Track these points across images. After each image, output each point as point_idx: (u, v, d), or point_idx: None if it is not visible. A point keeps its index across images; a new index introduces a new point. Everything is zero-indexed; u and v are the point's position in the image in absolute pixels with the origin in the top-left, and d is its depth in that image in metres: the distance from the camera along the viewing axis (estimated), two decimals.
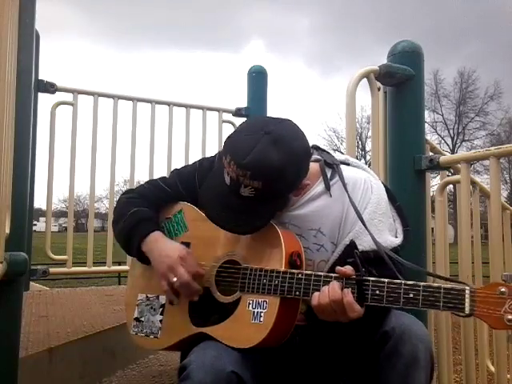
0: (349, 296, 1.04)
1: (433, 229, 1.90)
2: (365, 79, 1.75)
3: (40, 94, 2.78)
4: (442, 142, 36.10)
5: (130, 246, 1.30)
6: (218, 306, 1.19)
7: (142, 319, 1.32)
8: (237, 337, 1.12)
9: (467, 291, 0.97)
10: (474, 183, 2.03)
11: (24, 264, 1.28)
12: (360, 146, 35.68)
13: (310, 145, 1.30)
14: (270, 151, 1.08)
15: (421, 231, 1.73)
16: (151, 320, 1.30)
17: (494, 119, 36.07)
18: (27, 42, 1.46)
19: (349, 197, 1.21)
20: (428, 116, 34.76)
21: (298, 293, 1.10)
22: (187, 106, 3.18)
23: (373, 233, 1.16)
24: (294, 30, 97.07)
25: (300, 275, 1.11)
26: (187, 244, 1.31)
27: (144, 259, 1.29)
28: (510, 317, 0.92)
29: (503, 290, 0.94)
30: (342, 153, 1.81)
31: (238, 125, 2.35)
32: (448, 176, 2.08)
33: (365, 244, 1.18)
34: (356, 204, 1.21)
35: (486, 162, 1.61)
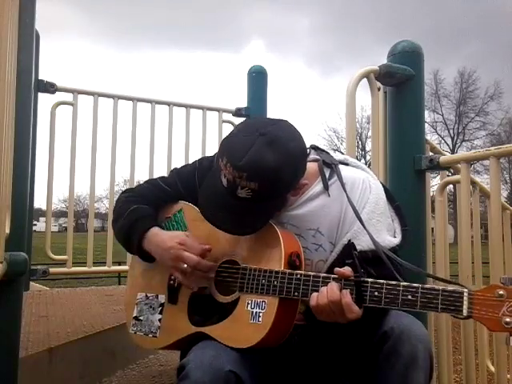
0: (347, 297, 1.04)
1: (433, 229, 1.90)
2: (365, 79, 1.75)
3: (40, 94, 2.78)
4: (442, 142, 36.12)
5: (130, 243, 1.30)
6: (217, 305, 1.19)
7: (141, 318, 1.33)
8: (235, 337, 1.12)
9: (465, 293, 0.97)
10: (473, 183, 2.03)
11: (24, 264, 1.28)
12: (360, 146, 35.70)
13: (309, 145, 1.30)
14: (265, 152, 1.08)
15: (421, 231, 1.73)
16: (150, 319, 1.30)
17: (494, 119, 36.13)
18: (27, 42, 1.46)
19: (347, 196, 1.21)
20: (428, 116, 34.81)
21: (296, 293, 1.11)
22: (187, 106, 3.18)
23: (371, 232, 1.16)
24: (294, 30, 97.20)
25: (299, 276, 1.11)
26: None
27: (145, 256, 1.29)
28: (507, 319, 0.92)
29: (501, 292, 0.94)
30: (342, 153, 1.81)
31: None
32: (448, 176, 2.08)
33: (363, 244, 1.18)
34: (354, 204, 1.21)
35: (486, 162, 1.61)
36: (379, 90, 1.84)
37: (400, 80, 1.74)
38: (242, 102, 3.31)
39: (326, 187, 1.26)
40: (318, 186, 1.27)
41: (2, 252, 1.20)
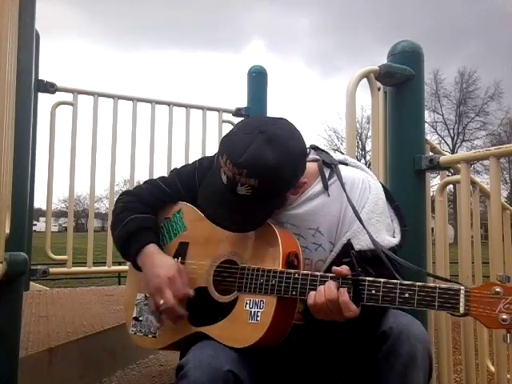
0: (344, 295, 1.05)
1: (433, 229, 1.90)
2: (365, 79, 1.75)
3: (40, 94, 2.78)
4: (442, 142, 36.12)
5: (126, 255, 1.32)
6: (216, 305, 1.20)
7: (141, 319, 1.33)
8: (234, 336, 1.12)
9: (462, 291, 0.97)
10: (473, 183, 2.03)
11: (24, 264, 1.28)
12: (360, 146, 35.69)
13: (309, 145, 1.31)
14: (265, 150, 1.09)
15: (421, 231, 1.73)
16: (150, 319, 1.31)
17: (495, 119, 36.13)
18: (27, 42, 1.46)
19: (347, 196, 1.22)
20: (428, 116, 34.81)
21: (294, 292, 1.11)
22: (187, 106, 3.18)
23: (370, 232, 1.17)
24: (294, 30, 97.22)
25: (297, 275, 1.12)
26: (186, 244, 1.31)
27: (140, 268, 1.30)
28: (504, 316, 0.93)
29: (498, 289, 0.94)
30: (342, 153, 1.81)
31: None
32: (448, 176, 2.08)
33: (362, 243, 1.19)
34: (354, 203, 1.21)
35: (486, 162, 1.61)
36: (379, 90, 1.84)
37: (400, 80, 1.74)
38: (242, 102, 3.31)
39: (325, 187, 1.26)
40: (317, 186, 1.27)
41: (2, 252, 1.20)
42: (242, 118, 3.19)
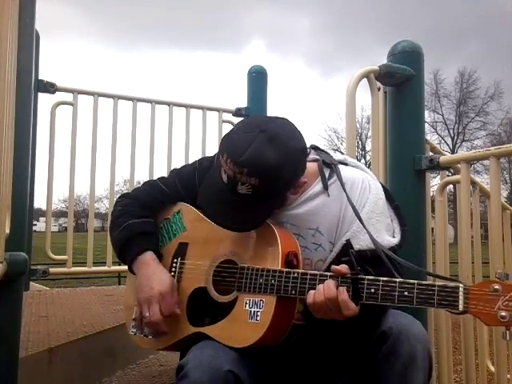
0: (344, 294, 1.05)
1: (433, 229, 1.90)
2: (365, 79, 1.75)
3: (40, 94, 2.78)
4: (442, 141, 36.12)
5: (123, 260, 1.33)
6: (216, 305, 1.20)
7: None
8: (234, 336, 1.12)
9: (461, 288, 0.97)
10: (474, 183, 2.03)
11: (24, 264, 1.28)
12: (360, 146, 35.69)
13: (309, 145, 1.31)
14: (265, 148, 1.09)
15: (421, 231, 1.73)
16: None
17: (495, 119, 36.14)
18: (27, 42, 1.46)
19: (347, 196, 1.22)
20: (428, 116, 34.80)
21: (294, 292, 1.11)
22: (187, 106, 3.18)
23: (370, 232, 1.17)
24: (294, 30, 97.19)
25: (296, 274, 1.12)
26: (185, 244, 1.31)
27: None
28: (503, 313, 0.93)
29: (497, 287, 0.95)
30: (342, 153, 1.81)
31: None
32: (448, 176, 2.08)
33: (362, 243, 1.19)
34: (354, 203, 1.21)
35: (486, 162, 1.61)
36: (379, 90, 1.84)
37: (400, 80, 1.74)
38: (242, 102, 3.31)
39: (325, 187, 1.26)
40: (317, 186, 1.27)
41: (2, 252, 1.20)
42: (242, 118, 3.19)
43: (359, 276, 1.06)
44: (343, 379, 1.22)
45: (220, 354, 1.08)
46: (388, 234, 1.24)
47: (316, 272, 1.12)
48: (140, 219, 1.32)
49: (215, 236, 1.25)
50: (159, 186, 1.38)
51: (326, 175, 1.28)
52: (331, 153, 1.37)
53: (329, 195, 1.26)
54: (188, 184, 1.35)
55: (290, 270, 1.13)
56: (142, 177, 2.77)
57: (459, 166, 1.68)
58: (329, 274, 1.10)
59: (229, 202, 1.15)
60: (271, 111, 3.43)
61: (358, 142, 32.93)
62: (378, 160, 1.83)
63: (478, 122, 36.87)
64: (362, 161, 31.97)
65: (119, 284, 7.97)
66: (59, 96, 2.89)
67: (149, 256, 1.28)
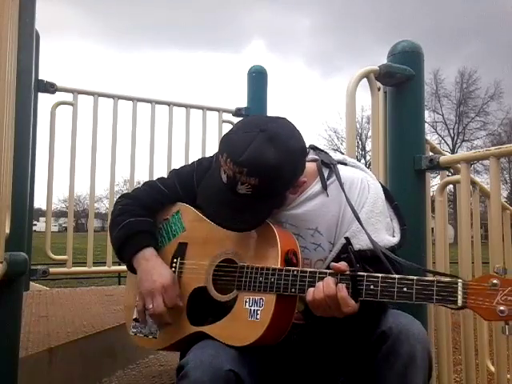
0: (343, 291, 1.05)
1: (433, 229, 1.90)
2: (365, 79, 1.75)
3: (40, 94, 2.78)
4: (442, 141, 36.11)
5: (122, 258, 1.33)
6: (216, 304, 1.20)
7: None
8: (234, 335, 1.13)
9: (459, 284, 0.98)
10: (474, 183, 2.03)
11: (24, 264, 1.28)
12: (360, 146, 35.68)
13: (308, 145, 1.31)
14: (265, 148, 1.09)
15: (421, 231, 1.73)
16: (150, 320, 1.30)
17: (495, 119, 36.13)
18: (27, 42, 1.46)
19: (346, 196, 1.22)
20: (428, 116, 34.80)
21: (293, 289, 1.11)
22: (187, 106, 3.18)
23: (370, 232, 1.17)
24: (294, 30, 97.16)
25: (295, 272, 1.12)
26: (185, 244, 1.31)
27: (135, 271, 1.30)
28: (502, 308, 0.93)
29: (495, 281, 0.95)
30: (343, 153, 1.81)
31: None
32: (448, 176, 2.08)
33: (362, 243, 1.19)
34: (353, 203, 1.21)
35: (486, 162, 1.61)
36: (379, 90, 1.84)
37: (400, 80, 1.75)
38: (242, 102, 3.31)
39: (324, 187, 1.26)
40: (316, 186, 1.27)
41: (2, 252, 1.20)
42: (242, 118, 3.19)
43: (358, 273, 1.06)
44: (343, 379, 1.22)
45: (220, 353, 1.08)
46: (388, 234, 1.24)
47: (315, 270, 1.12)
48: (139, 218, 1.32)
49: (214, 236, 1.25)
50: (158, 186, 1.38)
51: (325, 175, 1.28)
52: (330, 153, 1.37)
53: (328, 195, 1.26)
54: (187, 185, 1.35)
55: (289, 268, 1.13)
56: (142, 177, 2.78)
57: (459, 166, 1.68)
58: (328, 271, 1.10)
59: (228, 203, 1.15)
60: (271, 111, 3.44)
61: (358, 142, 32.94)
62: (378, 160, 1.83)
63: (478, 122, 36.92)
64: (362, 161, 31.98)
65: (119, 284, 7.98)
66: (59, 96, 2.89)
67: (148, 252, 1.28)
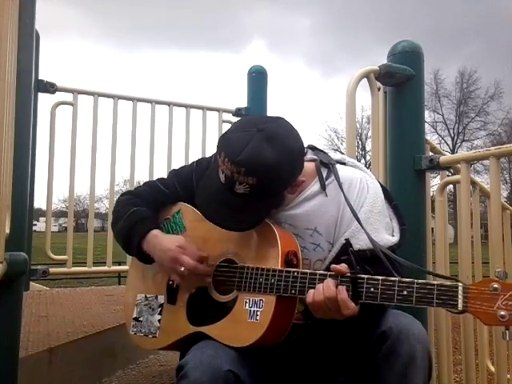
0: (343, 293, 1.05)
1: (433, 229, 1.90)
2: (365, 79, 1.75)
3: (40, 94, 2.78)
4: (442, 141, 36.10)
5: (129, 245, 1.30)
6: (216, 305, 1.20)
7: (141, 319, 1.33)
8: (234, 336, 1.13)
9: (460, 288, 0.97)
10: (474, 183, 2.03)
11: (24, 264, 1.28)
12: (360, 146, 35.67)
13: (306, 144, 1.31)
14: (263, 147, 1.10)
15: (421, 231, 1.73)
16: (150, 320, 1.31)
17: (495, 119, 36.12)
18: (27, 42, 1.46)
19: (344, 196, 1.22)
20: (428, 116, 34.77)
21: (293, 291, 1.11)
22: (187, 106, 3.18)
23: (369, 232, 1.17)
24: (294, 30, 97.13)
25: (296, 273, 1.12)
26: None
27: (144, 258, 1.29)
28: (502, 313, 0.93)
29: (496, 286, 0.94)
30: (342, 153, 1.81)
31: None
32: (448, 176, 2.08)
33: (361, 243, 1.19)
34: (352, 203, 1.21)
35: (486, 162, 1.61)
36: (379, 90, 1.84)
37: (400, 80, 1.75)
38: (242, 102, 3.31)
39: (323, 187, 1.26)
40: (315, 186, 1.27)
41: (2, 252, 1.20)
42: None
43: (358, 275, 1.06)
44: (343, 379, 1.22)
45: (220, 353, 1.08)
46: (387, 233, 1.24)
47: (316, 271, 1.12)
48: (142, 208, 1.32)
49: (215, 236, 1.25)
50: (158, 186, 1.38)
51: (324, 175, 1.28)
52: (330, 152, 1.37)
53: (326, 195, 1.25)
54: (186, 185, 1.35)
55: (289, 269, 1.13)
56: (142, 177, 2.78)
57: (459, 166, 1.68)
58: (328, 273, 1.10)
59: (227, 202, 1.15)
60: (271, 111, 3.44)
61: (358, 142, 32.92)
62: (377, 160, 1.83)
63: (478, 122, 36.90)
64: (362, 161, 31.97)
65: (119, 284, 7.98)
66: (59, 96, 2.89)
67: (156, 232, 1.28)
